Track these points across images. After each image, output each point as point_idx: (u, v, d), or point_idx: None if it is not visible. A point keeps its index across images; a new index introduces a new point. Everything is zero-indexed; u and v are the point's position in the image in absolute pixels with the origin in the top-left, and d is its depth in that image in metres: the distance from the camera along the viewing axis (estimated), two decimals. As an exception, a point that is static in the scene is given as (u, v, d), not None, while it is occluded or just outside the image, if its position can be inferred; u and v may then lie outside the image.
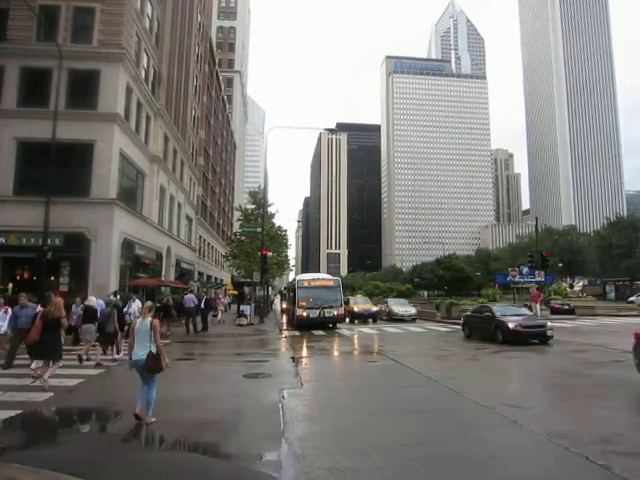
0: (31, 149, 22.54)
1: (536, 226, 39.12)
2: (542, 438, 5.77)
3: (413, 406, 7.66)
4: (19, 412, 6.82)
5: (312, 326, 22.11)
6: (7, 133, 22.52)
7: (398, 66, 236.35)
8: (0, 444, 5.60)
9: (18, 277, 23.18)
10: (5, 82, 23.20)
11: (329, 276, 28.38)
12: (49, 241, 19.58)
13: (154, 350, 6.55)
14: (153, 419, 6.49)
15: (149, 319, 6.68)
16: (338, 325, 23.73)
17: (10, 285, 22.15)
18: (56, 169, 19.81)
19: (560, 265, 72.11)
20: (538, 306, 29.39)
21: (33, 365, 9.60)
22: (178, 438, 6.17)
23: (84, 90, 23.24)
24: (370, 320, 28.22)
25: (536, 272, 32.93)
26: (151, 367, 6.53)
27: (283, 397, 8.01)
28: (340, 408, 7.71)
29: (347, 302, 28.88)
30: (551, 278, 38.19)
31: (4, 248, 22.02)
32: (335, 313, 22.60)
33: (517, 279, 34.19)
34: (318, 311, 22.14)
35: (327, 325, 22.93)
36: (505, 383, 10.08)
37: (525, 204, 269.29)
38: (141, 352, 6.50)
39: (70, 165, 22.45)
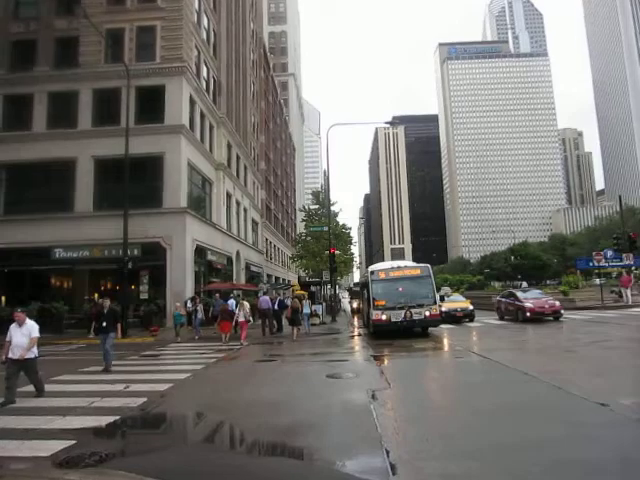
0: (107, 166, 23.79)
1: (620, 205, 36.13)
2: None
3: (515, 405, 7.07)
4: (117, 418, 6.97)
5: (395, 332, 16.89)
6: (85, 153, 23.92)
7: (452, 52, 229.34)
8: (104, 450, 5.69)
9: (102, 287, 24.53)
10: (80, 105, 24.66)
11: (413, 263, 21.56)
12: (128, 252, 20.49)
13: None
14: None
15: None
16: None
17: (96, 295, 23.45)
18: (130, 183, 20.66)
19: (647, 246, 66.50)
20: (629, 292, 27.20)
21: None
22: (271, 442, 6.02)
23: (151, 105, 24.23)
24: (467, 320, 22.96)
25: (623, 255, 30.41)
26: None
27: (373, 397, 7.69)
28: (436, 408, 7.28)
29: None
30: (640, 260, 35.23)
31: (89, 261, 23.44)
32: (427, 314, 16.84)
33: (602, 264, 31.77)
34: (403, 312, 16.65)
35: (415, 330, 17.77)
36: (614, 376, 9.15)
37: (599, 184, 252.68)
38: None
39: (143, 178, 23.48)
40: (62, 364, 12.63)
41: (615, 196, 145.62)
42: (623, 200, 39.43)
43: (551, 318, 20.47)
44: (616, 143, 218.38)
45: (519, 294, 22.55)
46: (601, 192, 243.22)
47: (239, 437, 6.63)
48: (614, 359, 10.93)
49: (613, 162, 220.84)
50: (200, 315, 19.57)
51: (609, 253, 31.55)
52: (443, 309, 21.51)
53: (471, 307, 23.61)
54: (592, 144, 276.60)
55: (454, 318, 22.59)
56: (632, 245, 30.21)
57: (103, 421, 6.80)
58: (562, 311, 20.72)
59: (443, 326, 20.21)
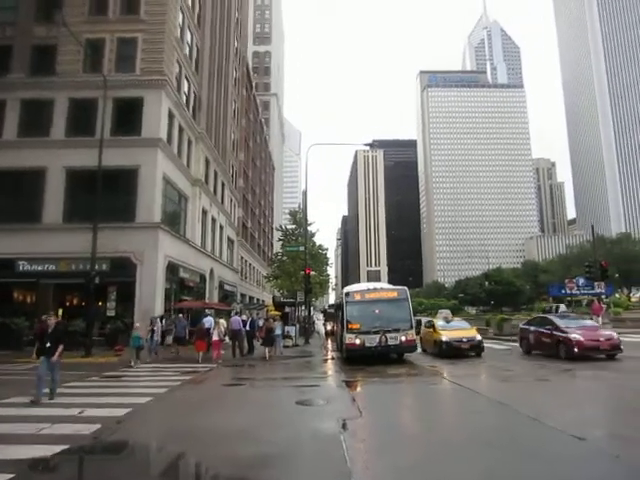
0: (79, 177, 23.12)
1: (593, 234, 37.04)
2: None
3: (489, 436, 6.79)
4: (65, 447, 6.41)
5: (369, 358, 15.96)
6: (57, 163, 23.23)
7: (432, 80, 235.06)
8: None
9: (68, 303, 23.57)
10: (55, 114, 24.04)
11: (390, 285, 20.30)
12: (96, 266, 19.73)
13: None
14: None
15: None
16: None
17: (60, 310, 22.48)
18: (103, 196, 19.97)
19: (616, 275, 68.18)
20: (600, 320, 27.50)
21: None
22: (235, 477, 5.59)
23: (128, 117, 23.77)
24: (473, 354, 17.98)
25: (595, 283, 30.90)
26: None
27: (343, 427, 7.31)
28: (408, 439, 6.95)
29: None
30: (610, 289, 35.91)
31: (55, 275, 22.51)
32: (403, 339, 15.94)
33: (574, 291, 32.21)
34: (377, 337, 15.79)
35: (391, 356, 16.87)
36: (591, 409, 8.98)
37: (571, 213, 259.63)
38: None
39: (116, 191, 22.82)
40: (15, 385, 11.84)
41: (586, 225, 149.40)
42: (594, 229, 40.25)
43: (603, 355, 14.90)
44: (587, 174, 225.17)
45: (557, 321, 16.85)
46: (572, 221, 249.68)
47: (201, 471, 6.15)
48: (590, 390, 10.82)
49: (584, 192, 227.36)
50: (156, 337, 18.36)
51: (581, 281, 32.07)
52: (444, 339, 18.21)
53: (479, 337, 18.37)
54: (565, 174, 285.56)
55: (458, 350, 17.70)
56: (603, 273, 30.74)
57: (49, 451, 6.22)
58: (622, 346, 14.94)
59: (442, 362, 16.90)
